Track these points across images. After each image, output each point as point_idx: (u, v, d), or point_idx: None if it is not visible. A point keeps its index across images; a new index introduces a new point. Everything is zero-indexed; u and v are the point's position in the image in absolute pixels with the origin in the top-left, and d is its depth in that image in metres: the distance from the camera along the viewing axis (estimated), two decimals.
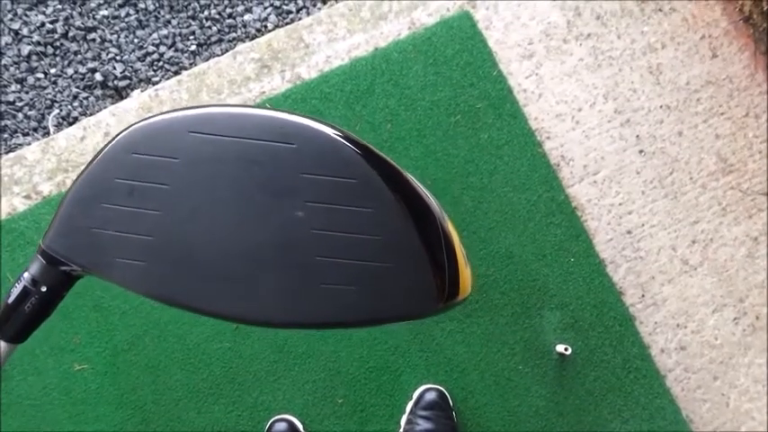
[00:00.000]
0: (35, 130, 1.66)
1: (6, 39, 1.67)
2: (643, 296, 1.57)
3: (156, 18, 1.70)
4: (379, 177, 0.48)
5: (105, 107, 1.64)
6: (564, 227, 1.58)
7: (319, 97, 1.60)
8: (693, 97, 1.63)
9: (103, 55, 1.69)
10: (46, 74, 1.67)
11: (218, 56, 1.68)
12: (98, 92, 1.68)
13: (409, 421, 1.48)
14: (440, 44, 1.63)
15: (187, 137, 0.49)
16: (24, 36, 1.67)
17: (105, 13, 1.69)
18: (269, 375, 1.52)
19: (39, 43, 1.67)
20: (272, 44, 1.63)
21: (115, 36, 1.69)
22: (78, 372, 1.51)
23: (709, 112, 1.63)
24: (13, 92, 1.66)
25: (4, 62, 1.67)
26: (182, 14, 1.70)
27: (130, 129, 0.50)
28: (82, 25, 1.68)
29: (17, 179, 1.57)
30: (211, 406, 1.51)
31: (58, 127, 1.66)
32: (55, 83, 1.67)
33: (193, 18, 1.70)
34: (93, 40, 1.69)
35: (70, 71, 1.67)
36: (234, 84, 1.62)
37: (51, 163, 1.57)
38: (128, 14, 1.69)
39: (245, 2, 1.71)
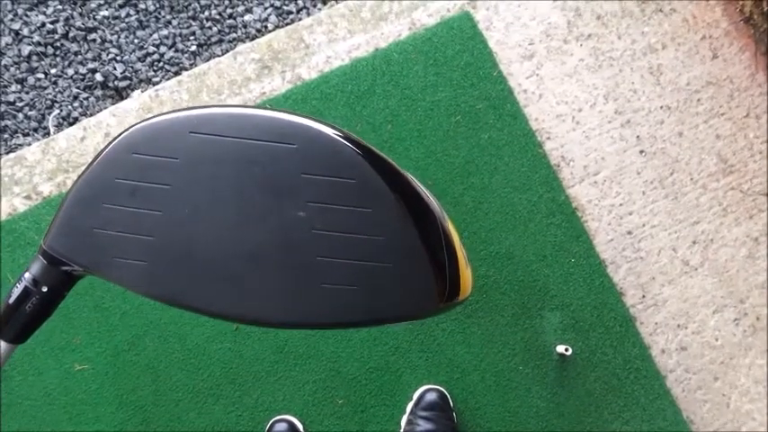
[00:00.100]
0: (35, 130, 1.66)
1: (7, 39, 1.67)
2: (643, 297, 1.57)
3: (157, 18, 1.70)
4: (380, 177, 0.48)
5: (106, 107, 1.64)
6: (564, 227, 1.58)
7: (320, 98, 1.60)
8: (694, 98, 1.63)
9: (104, 55, 1.69)
10: (46, 74, 1.67)
11: (218, 56, 1.68)
12: (98, 92, 1.68)
13: (410, 422, 1.48)
14: (440, 45, 1.63)
15: (188, 137, 0.49)
16: (25, 36, 1.67)
17: (106, 13, 1.69)
18: (269, 376, 1.52)
19: (39, 44, 1.67)
20: (273, 45, 1.63)
21: (115, 36, 1.69)
22: (79, 372, 1.51)
23: (709, 113, 1.63)
24: (14, 92, 1.66)
25: (4, 62, 1.67)
26: (182, 15, 1.70)
27: (131, 129, 0.50)
28: (82, 26, 1.68)
29: (17, 179, 1.57)
30: (212, 406, 1.51)
31: (59, 127, 1.66)
32: (55, 83, 1.67)
33: (194, 18, 1.70)
34: (94, 40, 1.69)
35: (70, 71, 1.67)
36: (234, 84, 1.62)
37: (52, 163, 1.57)
38: (128, 15, 1.69)
39: (246, 2, 1.71)
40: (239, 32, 1.71)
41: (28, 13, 1.68)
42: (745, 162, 1.61)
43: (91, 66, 1.68)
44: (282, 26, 1.70)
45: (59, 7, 1.68)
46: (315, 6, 1.73)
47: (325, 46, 1.64)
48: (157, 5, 1.70)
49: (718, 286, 1.58)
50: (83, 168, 0.50)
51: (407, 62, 1.62)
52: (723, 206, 1.60)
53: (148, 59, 1.69)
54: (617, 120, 1.62)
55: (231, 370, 1.52)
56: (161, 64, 1.69)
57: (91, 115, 1.64)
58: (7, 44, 1.67)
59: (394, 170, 0.49)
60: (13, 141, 1.65)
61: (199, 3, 1.70)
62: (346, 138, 0.48)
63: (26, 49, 1.67)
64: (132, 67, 1.69)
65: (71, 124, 1.65)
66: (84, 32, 1.68)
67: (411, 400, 1.51)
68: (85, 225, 0.49)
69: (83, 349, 1.52)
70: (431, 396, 1.48)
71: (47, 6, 1.68)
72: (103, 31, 1.69)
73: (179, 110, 0.50)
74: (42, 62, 1.67)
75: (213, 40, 1.71)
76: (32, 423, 1.50)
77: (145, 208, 0.49)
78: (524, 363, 1.54)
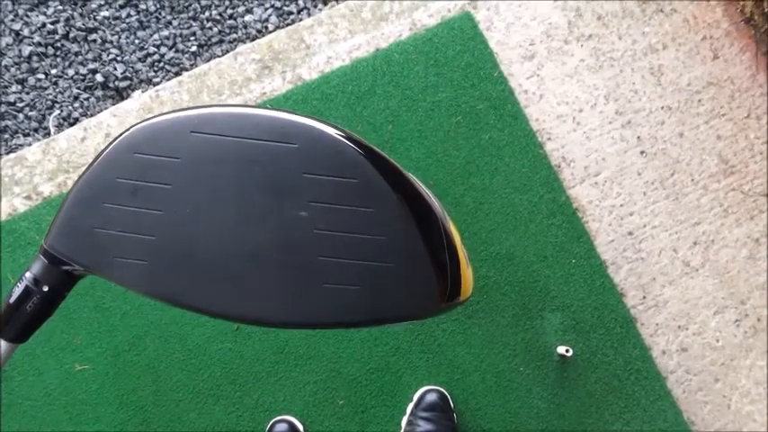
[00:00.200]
0: (36, 130, 1.66)
1: (7, 39, 1.67)
2: (644, 298, 1.57)
3: (157, 19, 1.70)
4: (382, 177, 0.48)
5: (106, 108, 1.64)
6: (565, 228, 1.58)
7: (320, 98, 1.60)
8: (695, 98, 1.63)
9: (104, 56, 1.69)
10: (47, 75, 1.67)
11: (218, 57, 1.68)
12: (99, 93, 1.68)
13: (410, 422, 1.48)
14: (441, 45, 1.63)
15: (189, 137, 0.49)
16: (25, 37, 1.67)
17: (106, 13, 1.69)
18: (270, 376, 1.52)
19: (40, 44, 1.67)
20: (273, 45, 1.63)
21: (116, 37, 1.69)
22: (79, 372, 1.51)
23: (710, 114, 1.63)
24: (14, 92, 1.66)
25: (5, 63, 1.67)
26: (182, 15, 1.70)
27: (132, 129, 0.50)
28: (83, 26, 1.68)
29: (18, 180, 1.57)
30: (212, 407, 1.51)
31: (59, 128, 1.66)
32: (56, 83, 1.67)
33: (194, 19, 1.70)
34: (94, 40, 1.69)
35: (71, 72, 1.67)
36: (235, 85, 1.62)
37: (52, 164, 1.57)
38: (129, 15, 1.69)
39: (246, 3, 1.71)
40: (240, 33, 1.71)
41: (28, 13, 1.68)
42: (745, 163, 1.61)
43: (91, 66, 1.68)
44: (283, 26, 1.70)
45: (60, 8, 1.68)
46: (315, 7, 1.73)
47: (326, 46, 1.64)
48: (158, 6, 1.70)
49: (718, 287, 1.58)
50: (83, 169, 0.50)
51: (408, 62, 1.62)
52: (724, 207, 1.60)
53: (149, 60, 1.69)
54: (618, 120, 1.62)
55: (232, 370, 1.52)
56: (161, 64, 1.69)
57: (91, 116, 1.64)
58: (8, 44, 1.67)
59: (396, 170, 0.49)
60: (14, 142, 1.65)
61: (199, 3, 1.70)
62: (348, 137, 0.48)
63: (27, 50, 1.67)
64: (133, 68, 1.69)
65: (71, 125, 1.65)
66: (84, 33, 1.68)
67: (411, 400, 1.51)
68: (86, 225, 0.49)
69: (83, 349, 1.52)
70: (431, 397, 1.48)
71: (47, 7, 1.68)
72: (104, 31, 1.69)
73: (180, 109, 0.50)
74: (43, 62, 1.67)
75: (214, 40, 1.71)
76: (33, 423, 1.50)
77: (146, 207, 0.49)
78: (525, 364, 1.54)
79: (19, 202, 1.56)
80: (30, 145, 1.61)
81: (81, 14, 1.69)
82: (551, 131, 1.62)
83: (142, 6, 1.69)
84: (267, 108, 0.50)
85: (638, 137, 1.61)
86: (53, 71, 1.67)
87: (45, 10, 1.68)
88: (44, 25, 1.67)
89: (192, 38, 1.70)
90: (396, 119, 1.60)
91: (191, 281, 0.49)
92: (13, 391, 1.51)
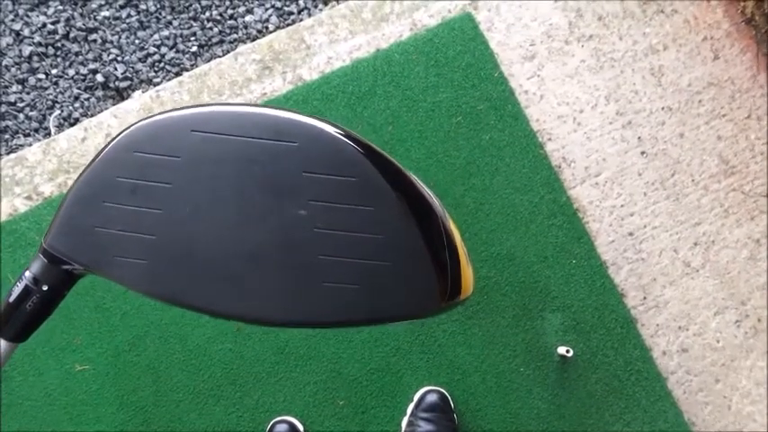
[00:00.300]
0: (36, 130, 1.66)
1: (8, 39, 1.67)
2: (645, 298, 1.57)
3: (158, 19, 1.70)
4: (381, 176, 0.48)
5: (106, 108, 1.64)
6: (565, 229, 1.58)
7: (321, 98, 1.60)
8: (695, 99, 1.63)
9: (105, 56, 1.69)
10: (47, 75, 1.67)
11: (219, 57, 1.68)
12: (99, 93, 1.68)
13: (410, 423, 1.48)
14: (441, 45, 1.63)
15: (189, 136, 0.49)
16: (26, 37, 1.67)
17: (106, 14, 1.69)
18: (270, 377, 1.52)
19: (40, 44, 1.67)
20: (274, 45, 1.63)
21: (116, 37, 1.69)
22: (79, 372, 1.51)
23: (710, 114, 1.63)
24: (15, 93, 1.66)
25: (5, 63, 1.67)
26: (183, 15, 1.70)
27: (132, 127, 0.50)
28: (83, 26, 1.68)
29: (18, 180, 1.57)
30: (212, 407, 1.51)
31: (60, 128, 1.66)
32: (56, 84, 1.67)
33: (195, 19, 1.70)
34: (95, 40, 1.69)
35: (71, 72, 1.67)
36: (235, 85, 1.62)
37: (52, 164, 1.57)
38: (129, 15, 1.69)
39: (247, 3, 1.71)
40: (240, 33, 1.71)
41: (29, 13, 1.68)
42: (746, 163, 1.61)
43: (92, 66, 1.68)
44: (283, 27, 1.70)
45: (60, 8, 1.68)
46: (316, 7, 1.73)
47: (326, 47, 1.64)
48: (158, 6, 1.70)
49: (719, 288, 1.58)
50: (84, 167, 0.50)
51: (408, 63, 1.62)
52: (724, 207, 1.60)
53: (149, 60, 1.69)
54: (618, 121, 1.62)
55: (232, 371, 1.52)
56: (162, 64, 1.69)
57: (92, 116, 1.64)
58: (8, 45, 1.67)
59: (395, 168, 0.48)
60: (14, 142, 1.65)
61: (200, 3, 1.70)
62: (348, 136, 0.48)
63: (27, 50, 1.67)
64: (133, 68, 1.69)
65: (72, 125, 1.65)
66: (84, 33, 1.68)
67: (412, 401, 1.51)
68: (86, 224, 0.49)
69: (83, 350, 1.52)
70: (431, 397, 1.48)
71: (48, 7, 1.68)
72: (104, 31, 1.69)
73: (180, 108, 0.50)
74: (43, 63, 1.67)
75: (214, 40, 1.71)
76: (33, 423, 1.50)
77: (146, 206, 0.49)
78: (525, 364, 1.54)
79: (19, 203, 1.56)
80: (30, 145, 1.61)
81: (81, 14, 1.69)
82: (552, 132, 1.62)
83: (142, 6, 1.70)
84: (267, 106, 0.50)
85: (639, 137, 1.61)
86: (53, 71, 1.67)
87: (45, 10, 1.68)
88: (44, 25, 1.67)
89: (192, 38, 1.70)
90: (396, 119, 1.60)
91: (191, 280, 0.49)
92: (13, 391, 1.51)
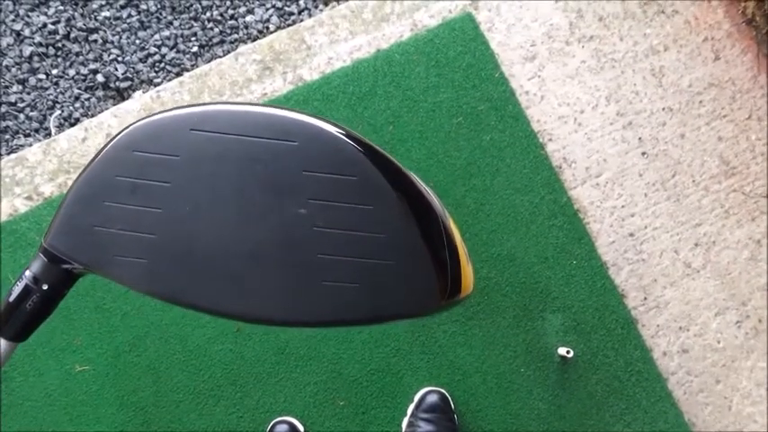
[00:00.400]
0: (37, 131, 1.66)
1: (8, 40, 1.67)
2: (645, 299, 1.57)
3: (158, 19, 1.70)
4: (381, 175, 0.48)
5: (107, 108, 1.64)
6: (566, 229, 1.58)
7: (321, 99, 1.60)
8: (696, 100, 1.63)
9: (105, 56, 1.69)
10: (47, 75, 1.67)
11: (219, 57, 1.68)
12: (100, 93, 1.68)
13: (410, 424, 1.48)
14: (442, 46, 1.63)
15: (189, 135, 0.49)
16: (26, 37, 1.67)
17: (107, 14, 1.69)
18: (270, 377, 1.52)
19: (40, 44, 1.67)
20: (274, 46, 1.63)
21: (117, 37, 1.69)
22: (79, 373, 1.51)
23: (711, 115, 1.63)
24: (15, 93, 1.66)
25: (5, 63, 1.67)
26: (184, 16, 1.70)
27: (132, 127, 0.50)
28: (84, 26, 1.68)
29: (18, 180, 1.57)
30: (212, 408, 1.51)
31: (60, 128, 1.66)
32: (56, 84, 1.67)
33: (195, 19, 1.70)
34: (95, 41, 1.69)
35: (72, 72, 1.67)
36: (236, 85, 1.62)
37: (53, 164, 1.57)
38: (129, 16, 1.69)
39: (247, 3, 1.71)
40: (241, 33, 1.71)
41: (29, 13, 1.68)
42: (747, 164, 1.61)
43: (92, 66, 1.68)
44: (284, 27, 1.70)
45: (61, 8, 1.68)
46: (316, 7, 1.73)
47: (327, 47, 1.64)
48: (159, 6, 1.70)
49: (720, 289, 1.58)
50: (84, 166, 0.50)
51: (409, 63, 1.62)
52: (725, 208, 1.60)
53: (150, 60, 1.69)
54: (619, 121, 1.62)
55: (232, 371, 1.52)
56: (162, 65, 1.69)
57: (92, 116, 1.64)
58: (9, 45, 1.67)
59: (395, 167, 0.48)
60: (15, 142, 1.65)
61: (200, 4, 1.70)
62: (348, 135, 0.48)
63: (27, 50, 1.67)
64: (134, 68, 1.69)
65: (72, 125, 1.65)
66: (85, 33, 1.68)
67: (412, 401, 1.51)
68: (86, 223, 0.49)
69: (84, 350, 1.52)
70: (432, 398, 1.48)
71: (48, 7, 1.68)
72: (105, 31, 1.69)
73: (179, 107, 0.50)
74: (44, 63, 1.67)
75: (215, 40, 1.71)
76: (33, 424, 1.50)
77: (145, 205, 0.49)
78: (526, 365, 1.54)
79: (20, 203, 1.56)
80: (30, 145, 1.61)
81: (82, 15, 1.69)
82: (552, 132, 1.61)
83: (143, 7, 1.70)
84: (267, 105, 0.50)
85: (640, 138, 1.61)
86: (54, 71, 1.67)
87: (46, 10, 1.68)
88: (45, 25, 1.67)
89: (193, 38, 1.70)
90: (397, 120, 1.60)
91: (191, 279, 0.49)
92: (13, 391, 1.51)
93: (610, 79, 1.64)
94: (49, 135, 1.65)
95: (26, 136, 1.66)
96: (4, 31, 1.67)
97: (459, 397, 1.52)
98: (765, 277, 1.58)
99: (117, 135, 0.50)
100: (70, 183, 1.54)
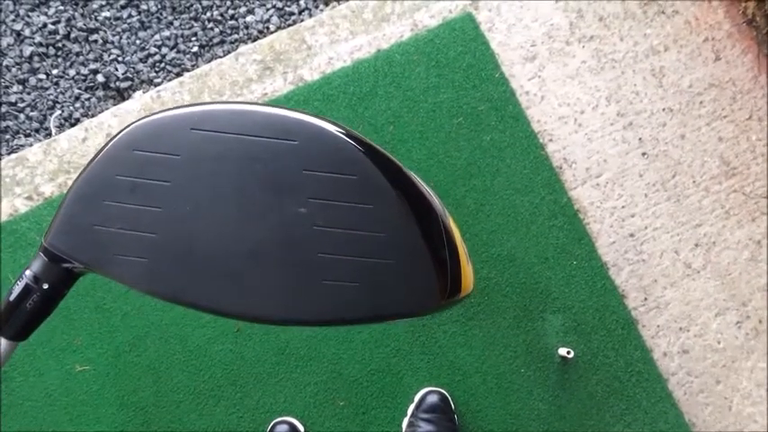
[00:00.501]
0: (37, 131, 1.66)
1: (8, 40, 1.67)
2: (645, 299, 1.57)
3: (159, 19, 1.70)
4: (381, 174, 0.48)
5: (107, 108, 1.64)
6: (566, 230, 1.58)
7: (321, 99, 1.60)
8: (696, 100, 1.63)
9: (105, 56, 1.69)
10: (48, 75, 1.67)
11: (220, 57, 1.68)
12: (100, 93, 1.68)
13: (411, 424, 1.48)
14: (442, 46, 1.63)
15: (189, 134, 0.49)
16: (26, 37, 1.67)
17: (107, 14, 1.69)
18: (270, 377, 1.52)
19: (41, 44, 1.67)
20: (275, 46, 1.63)
21: (117, 37, 1.69)
22: (80, 373, 1.51)
23: (711, 115, 1.63)
24: (15, 93, 1.66)
25: (6, 63, 1.67)
26: (184, 16, 1.70)
27: (132, 126, 0.50)
28: (84, 26, 1.68)
29: (19, 180, 1.57)
30: (213, 408, 1.51)
31: (60, 128, 1.66)
32: (57, 84, 1.67)
33: (196, 19, 1.70)
34: (96, 41, 1.69)
35: (72, 72, 1.68)
36: (236, 85, 1.62)
37: (53, 164, 1.57)
38: (130, 16, 1.70)
39: (248, 3, 1.71)
40: (241, 33, 1.71)
41: (30, 13, 1.68)
42: (747, 165, 1.61)
43: (92, 66, 1.68)
44: (284, 27, 1.70)
45: (61, 8, 1.68)
46: (317, 7, 1.73)
47: (327, 47, 1.64)
48: (159, 6, 1.70)
49: (720, 289, 1.58)
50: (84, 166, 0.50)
51: (409, 63, 1.62)
52: (725, 209, 1.60)
53: (150, 60, 1.69)
54: (619, 122, 1.62)
55: (232, 371, 1.52)
56: (163, 65, 1.69)
57: (92, 116, 1.64)
58: (9, 45, 1.67)
59: (395, 167, 0.48)
60: (15, 142, 1.65)
61: (201, 4, 1.70)
62: (348, 134, 0.48)
63: (28, 50, 1.67)
64: (134, 68, 1.69)
65: (72, 125, 1.65)
66: (85, 33, 1.68)
67: (412, 402, 1.51)
68: (86, 222, 0.49)
69: (84, 350, 1.52)
70: (432, 398, 1.48)
71: (48, 7, 1.68)
72: (105, 31, 1.69)
73: (179, 106, 0.50)
74: (44, 63, 1.67)
75: (215, 41, 1.71)
76: (33, 424, 1.50)
77: (146, 205, 0.49)
78: (526, 365, 1.54)
79: (20, 203, 1.56)
80: (31, 145, 1.61)
81: (82, 15, 1.69)
82: (553, 133, 1.61)
83: (143, 7, 1.70)
84: (267, 105, 0.50)
85: (640, 138, 1.61)
86: (54, 71, 1.67)
87: (46, 10, 1.68)
88: (45, 26, 1.67)
89: (193, 38, 1.70)
90: (397, 120, 1.60)
91: (191, 278, 0.49)
92: (13, 391, 1.51)
93: (610, 79, 1.64)
94: (49, 135, 1.65)
95: (26, 136, 1.66)
96: (5, 31, 1.67)
97: (460, 397, 1.52)
98: (765, 278, 1.58)
99: (117, 134, 0.50)
100: (70, 183, 1.54)
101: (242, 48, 1.65)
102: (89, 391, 1.51)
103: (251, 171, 0.48)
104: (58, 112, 1.67)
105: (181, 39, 1.70)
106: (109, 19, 1.69)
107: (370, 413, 1.52)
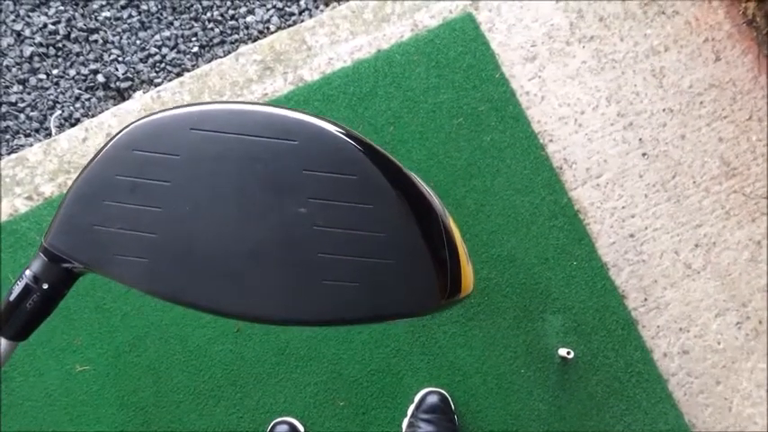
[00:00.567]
0: (37, 131, 1.66)
1: (9, 40, 1.67)
2: (646, 300, 1.57)
3: (159, 20, 1.70)
4: (381, 174, 0.48)
5: (107, 108, 1.64)
6: (566, 230, 1.58)
7: (322, 99, 1.60)
8: (696, 100, 1.63)
9: (105, 56, 1.69)
10: (48, 75, 1.67)
11: (220, 57, 1.68)
12: (100, 93, 1.68)
13: (411, 424, 1.48)
14: (442, 46, 1.63)
15: (188, 134, 0.49)
16: (27, 37, 1.67)
17: (108, 14, 1.69)
18: (270, 377, 1.52)
19: (41, 44, 1.67)
20: (275, 46, 1.63)
21: (117, 37, 1.69)
22: (80, 373, 1.51)
23: (712, 116, 1.63)
24: (16, 93, 1.66)
25: (6, 63, 1.67)
26: (184, 16, 1.70)
27: (131, 126, 0.50)
28: (84, 26, 1.68)
29: (19, 180, 1.57)
30: (213, 408, 1.51)
31: (60, 128, 1.66)
32: (57, 84, 1.67)
33: (196, 20, 1.70)
34: (96, 41, 1.69)
35: (72, 72, 1.68)
36: (236, 85, 1.61)
37: (53, 164, 1.57)
38: (130, 16, 1.70)
39: (248, 3, 1.71)
40: (241, 34, 1.71)
41: (30, 14, 1.68)
42: (747, 165, 1.61)
43: (93, 67, 1.68)
44: (284, 27, 1.70)
45: (61, 8, 1.68)
46: (317, 8, 1.73)
47: (327, 47, 1.64)
48: (159, 7, 1.70)
49: (720, 290, 1.58)
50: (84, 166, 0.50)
51: (409, 64, 1.62)
52: (725, 209, 1.60)
53: (150, 60, 1.69)
54: (619, 122, 1.62)
55: (232, 371, 1.52)
56: (163, 65, 1.69)
57: (93, 116, 1.64)
58: (9, 45, 1.67)
59: (395, 167, 0.48)
60: (15, 142, 1.65)
61: (201, 4, 1.70)
62: (348, 134, 0.48)
63: (28, 50, 1.67)
64: (134, 68, 1.69)
65: (73, 125, 1.65)
66: (85, 33, 1.68)
67: (412, 402, 1.51)
68: (86, 222, 0.49)
69: (84, 350, 1.52)
70: (432, 398, 1.48)
71: (49, 7, 1.68)
72: (105, 32, 1.69)
73: (179, 106, 0.50)
74: (44, 63, 1.67)
75: (215, 41, 1.71)
76: (33, 424, 1.50)
77: (145, 205, 0.49)
78: (526, 366, 1.54)
79: (20, 203, 1.56)
80: (31, 145, 1.61)
81: (82, 15, 1.69)
82: (553, 133, 1.61)
83: (144, 7, 1.70)
84: (267, 105, 0.50)
85: (640, 139, 1.61)
86: (54, 71, 1.67)
87: (46, 10, 1.68)
88: (45, 26, 1.67)
89: (193, 38, 1.70)
90: (397, 120, 1.60)
91: (191, 278, 0.49)
92: (13, 391, 1.51)
93: (610, 80, 1.64)
94: (49, 135, 1.65)
95: (26, 136, 1.66)
96: (5, 31, 1.67)
97: (460, 398, 1.52)
98: (766, 278, 1.58)
99: (117, 134, 0.50)
100: (70, 183, 1.54)
101: (242, 48, 1.65)
102: (89, 391, 1.51)
103: (251, 171, 0.48)
104: (59, 112, 1.67)
105: (181, 39, 1.70)
106: (109, 19, 1.69)
107: (370, 413, 1.52)
